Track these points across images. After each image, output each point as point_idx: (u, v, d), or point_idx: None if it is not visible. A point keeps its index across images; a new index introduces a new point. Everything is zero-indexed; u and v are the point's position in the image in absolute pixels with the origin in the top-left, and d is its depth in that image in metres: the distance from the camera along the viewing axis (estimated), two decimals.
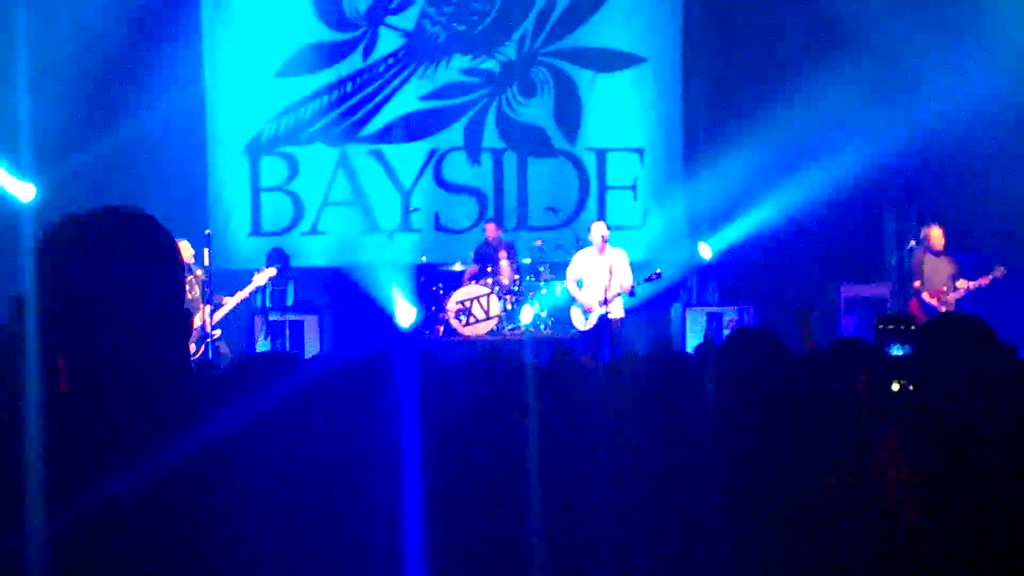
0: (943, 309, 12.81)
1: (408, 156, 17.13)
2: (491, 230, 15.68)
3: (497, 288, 15.08)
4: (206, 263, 12.33)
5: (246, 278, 12.81)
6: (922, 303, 13.03)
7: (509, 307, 15.11)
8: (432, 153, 17.18)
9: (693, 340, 14.34)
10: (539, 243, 15.73)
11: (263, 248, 15.81)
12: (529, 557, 3.84)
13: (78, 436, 1.91)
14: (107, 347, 1.93)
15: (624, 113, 17.33)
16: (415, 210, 16.80)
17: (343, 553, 3.38)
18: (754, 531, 3.66)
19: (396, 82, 17.15)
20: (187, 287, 10.29)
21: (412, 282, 15.71)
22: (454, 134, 17.23)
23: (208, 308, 12.12)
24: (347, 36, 17.07)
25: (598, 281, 13.44)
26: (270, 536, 2.20)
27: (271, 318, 14.48)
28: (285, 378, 3.53)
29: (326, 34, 17.03)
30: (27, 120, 13.84)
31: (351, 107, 17.09)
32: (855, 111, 15.69)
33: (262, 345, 14.17)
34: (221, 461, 2.05)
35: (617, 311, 13.48)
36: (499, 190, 17.29)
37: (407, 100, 17.14)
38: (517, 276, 15.25)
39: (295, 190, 16.96)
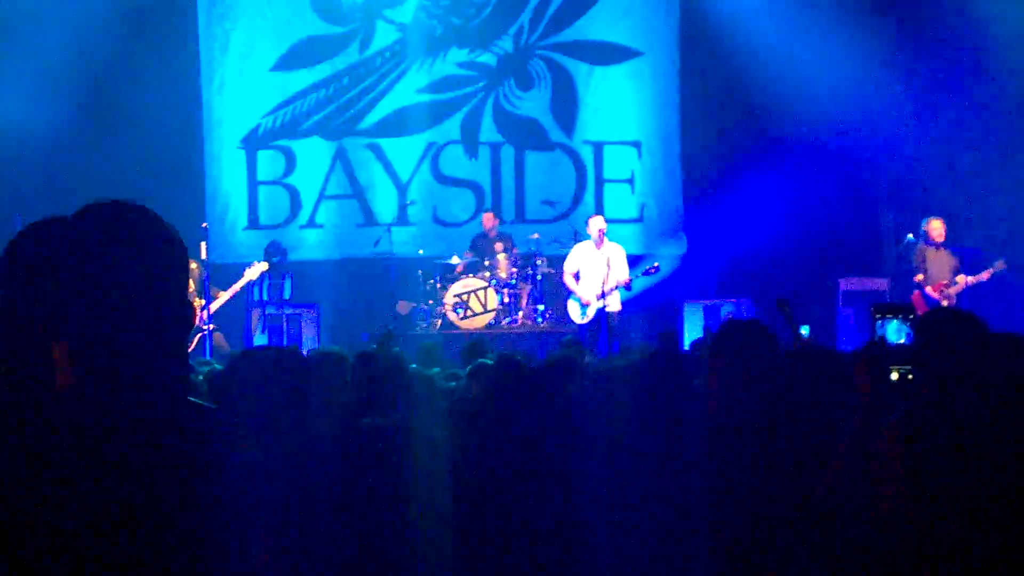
0: (945, 302, 12.82)
1: (405, 150, 17.11)
2: (488, 219, 15.67)
3: (495, 282, 15.06)
4: (203, 257, 12.32)
5: (243, 272, 12.83)
6: (925, 296, 13.03)
7: (507, 300, 15.09)
8: (429, 146, 17.16)
9: (691, 334, 14.33)
10: (536, 236, 15.71)
11: (260, 242, 15.83)
12: (527, 548, 3.85)
13: (77, 428, 1.91)
14: (106, 339, 1.93)
15: (621, 106, 17.33)
16: (412, 203, 16.78)
17: (340, 543, 3.38)
18: (750, 522, 3.66)
19: (393, 76, 17.13)
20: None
21: (409, 275, 15.68)
22: (451, 127, 17.21)
23: (202, 302, 12.14)
24: (344, 29, 17.05)
25: (596, 275, 13.45)
26: (270, 529, 2.20)
27: (268, 312, 14.47)
28: (285, 372, 3.53)
29: (323, 28, 17.00)
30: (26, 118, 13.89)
31: (348, 101, 17.07)
32: (854, 105, 15.71)
33: (259, 339, 14.16)
34: (220, 454, 2.05)
35: (614, 304, 13.50)
36: (496, 183, 17.28)
37: (404, 94, 17.12)
38: (515, 269, 15.23)
39: (292, 183, 16.95)
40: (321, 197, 16.94)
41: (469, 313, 14.95)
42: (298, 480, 3.11)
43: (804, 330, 14.06)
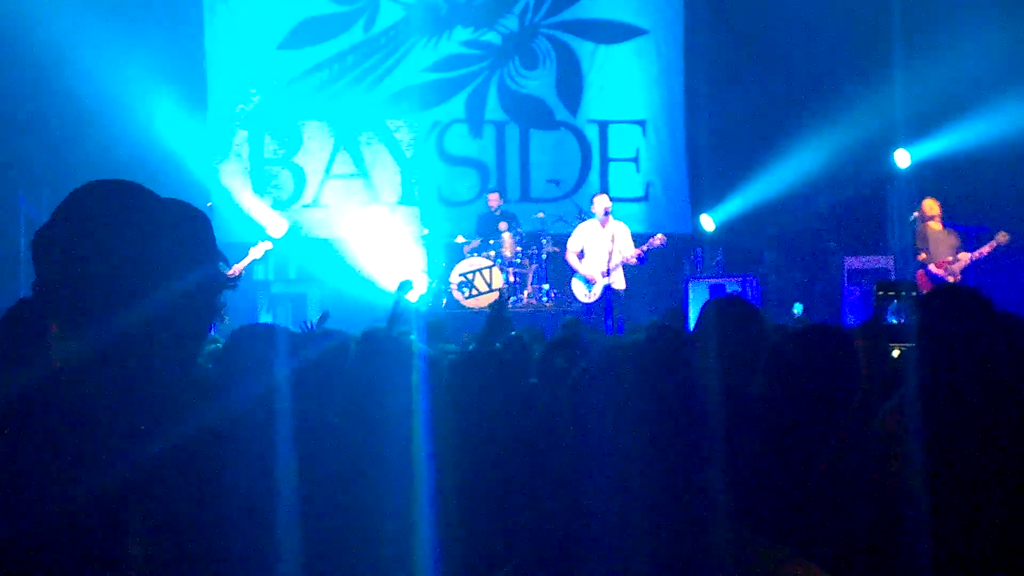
0: (950, 279, 12.79)
1: (410, 129, 17.10)
2: (494, 200, 15.63)
3: (500, 260, 15.06)
4: None
5: (247, 251, 12.85)
6: (929, 274, 13.00)
7: (512, 279, 15.09)
8: (434, 125, 17.16)
9: (696, 312, 14.32)
10: (541, 215, 15.69)
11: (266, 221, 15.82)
12: (531, 528, 3.85)
13: (82, 411, 1.92)
14: (112, 321, 1.94)
15: (626, 85, 17.31)
16: (416, 183, 16.78)
17: (350, 526, 3.39)
18: (755, 500, 3.67)
19: (398, 55, 17.11)
20: None
21: (414, 255, 15.69)
22: (456, 106, 17.20)
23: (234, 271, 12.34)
24: (348, 8, 17.03)
25: (601, 253, 13.43)
26: (276, 512, 2.21)
27: (273, 291, 14.50)
28: (289, 350, 3.54)
29: (328, 6, 16.99)
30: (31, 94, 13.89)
31: (353, 80, 17.05)
32: (858, 82, 15.65)
33: (264, 317, 14.20)
34: (227, 433, 2.06)
35: (619, 283, 13.49)
36: (501, 162, 17.27)
37: (409, 72, 17.10)
38: (519, 248, 15.22)
39: (297, 163, 16.95)
40: (326, 177, 16.94)
41: (474, 292, 14.95)
42: (302, 461, 3.12)
43: (797, 308, 14.09)
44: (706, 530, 2.04)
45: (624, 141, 17.34)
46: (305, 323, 8.45)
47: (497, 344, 5.49)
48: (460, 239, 15.51)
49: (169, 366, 2.01)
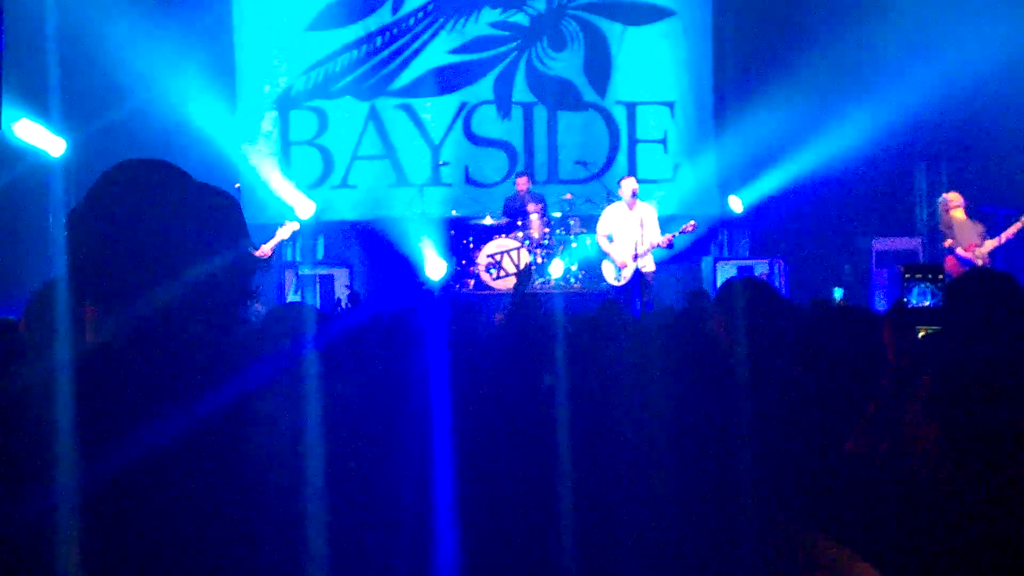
0: (979, 262, 12.75)
1: (438, 110, 17.11)
2: (522, 183, 15.61)
3: (527, 242, 15.06)
4: None
5: (274, 232, 12.92)
6: (958, 258, 12.96)
7: (540, 260, 15.09)
8: (462, 107, 17.15)
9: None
10: (569, 196, 15.69)
11: (293, 202, 15.86)
12: (559, 510, 3.87)
13: (112, 389, 1.93)
14: (144, 302, 1.95)
15: (654, 66, 17.26)
16: (445, 164, 16.80)
17: (373, 504, 3.41)
18: (782, 484, 3.67)
19: (426, 36, 17.11)
20: None
21: (442, 236, 15.71)
22: (484, 88, 17.19)
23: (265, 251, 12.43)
24: None
25: (629, 236, 13.41)
26: (300, 489, 2.22)
27: (301, 272, 14.54)
28: (318, 329, 3.56)
29: None
30: (57, 76, 13.90)
31: (381, 61, 17.07)
32: (886, 64, 15.57)
33: (292, 298, 14.24)
34: (253, 415, 2.07)
35: (648, 265, 13.48)
36: (529, 144, 17.26)
37: (437, 54, 17.11)
38: (547, 230, 15.21)
39: (325, 144, 16.98)
40: (354, 157, 16.97)
41: (502, 273, 14.97)
42: (329, 441, 3.13)
43: (837, 293, 14.05)
44: (737, 516, 2.04)
45: (652, 122, 17.30)
46: (337, 304, 8.50)
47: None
48: (488, 220, 15.51)
49: (201, 347, 2.02)
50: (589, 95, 17.26)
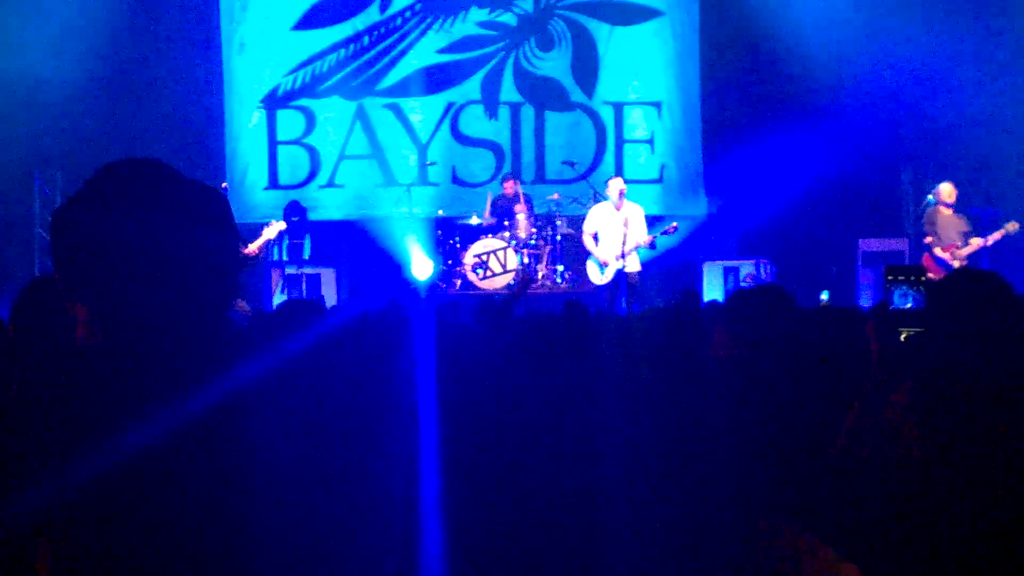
0: (956, 264, 12.78)
1: (425, 110, 17.11)
2: (510, 187, 15.63)
3: (514, 242, 15.07)
4: None
5: (261, 231, 12.91)
6: (935, 258, 13.00)
7: (526, 260, 15.10)
8: (449, 107, 17.15)
9: (710, 294, 14.33)
10: (556, 196, 15.71)
11: (280, 202, 15.86)
12: (543, 507, 3.88)
13: (100, 389, 1.94)
14: (131, 299, 1.96)
15: (641, 67, 17.28)
16: (432, 164, 16.79)
17: (360, 502, 3.42)
18: (767, 484, 3.69)
19: (413, 35, 17.10)
20: None
21: (429, 235, 15.71)
22: (471, 88, 17.19)
23: (253, 248, 12.44)
24: None
25: (615, 236, 13.42)
26: (290, 489, 2.23)
27: (288, 272, 14.53)
28: (306, 329, 3.58)
29: None
30: (46, 76, 13.92)
31: (368, 60, 17.06)
32: (873, 65, 15.64)
33: (278, 298, 14.22)
34: (242, 413, 2.08)
35: (633, 265, 13.49)
36: (516, 144, 17.27)
37: (424, 53, 17.10)
38: (534, 230, 15.23)
39: (312, 144, 16.97)
40: (341, 157, 16.97)
41: (489, 273, 14.97)
42: (317, 439, 3.15)
43: (824, 295, 14.09)
44: (722, 516, 2.06)
45: (639, 123, 17.32)
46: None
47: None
48: (475, 220, 15.51)
49: (190, 344, 2.03)
50: (576, 95, 17.27)
